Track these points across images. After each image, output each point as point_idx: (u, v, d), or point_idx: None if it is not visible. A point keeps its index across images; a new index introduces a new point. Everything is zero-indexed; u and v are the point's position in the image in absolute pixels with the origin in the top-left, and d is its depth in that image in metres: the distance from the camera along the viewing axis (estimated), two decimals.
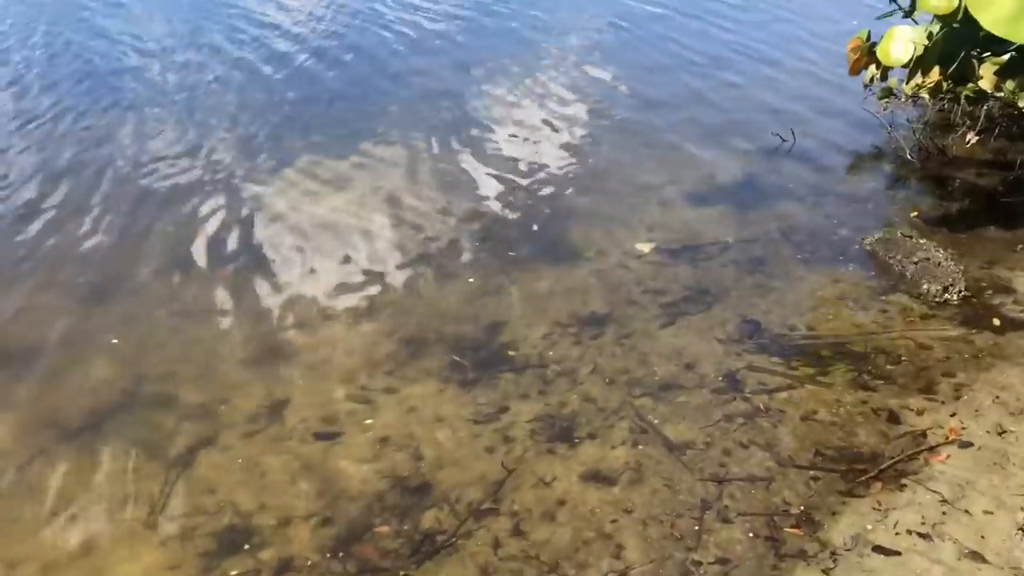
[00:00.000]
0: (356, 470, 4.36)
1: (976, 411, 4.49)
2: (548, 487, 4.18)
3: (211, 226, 6.69)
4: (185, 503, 4.21)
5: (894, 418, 4.51)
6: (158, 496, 4.25)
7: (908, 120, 7.81)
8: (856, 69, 6.41)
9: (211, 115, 8.75)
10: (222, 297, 5.87)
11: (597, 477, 4.23)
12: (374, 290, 5.88)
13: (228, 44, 10.81)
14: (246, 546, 3.96)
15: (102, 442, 4.62)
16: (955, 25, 5.67)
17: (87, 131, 8.45)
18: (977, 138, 7.02)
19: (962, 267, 5.71)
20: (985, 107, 7.19)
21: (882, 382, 4.78)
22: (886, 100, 7.75)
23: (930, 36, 5.74)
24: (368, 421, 4.68)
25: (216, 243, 6.46)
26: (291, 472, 4.37)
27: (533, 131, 8.16)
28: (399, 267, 6.12)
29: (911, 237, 5.99)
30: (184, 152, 7.95)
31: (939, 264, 5.69)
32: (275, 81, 9.58)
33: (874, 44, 6.24)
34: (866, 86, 7.42)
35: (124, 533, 4.06)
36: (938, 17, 5.72)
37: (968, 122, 7.35)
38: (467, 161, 7.61)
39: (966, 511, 3.87)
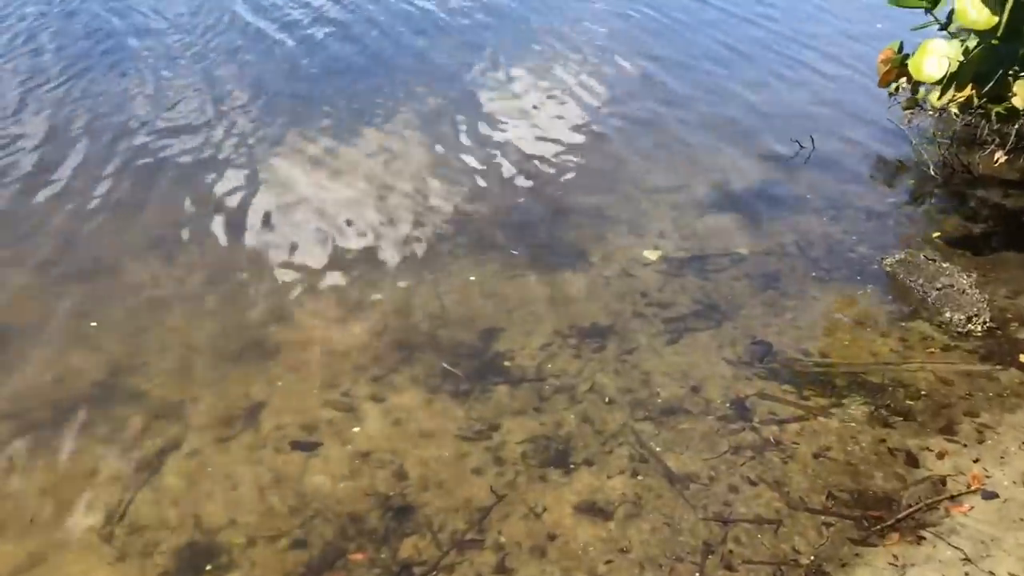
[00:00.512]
0: (333, 487, 4.06)
1: (1001, 458, 4.18)
2: (538, 518, 3.88)
3: (201, 208, 6.39)
4: (147, 514, 3.91)
5: (913, 460, 4.20)
6: (118, 504, 3.96)
7: (933, 133, 7.46)
8: (886, 81, 6.05)
9: (219, 88, 8.40)
10: (205, 284, 5.58)
11: (592, 510, 3.93)
12: (367, 285, 5.57)
13: (253, 14, 10.44)
14: (208, 567, 3.66)
15: (63, 439, 4.33)
16: (993, 42, 5.33)
17: (89, 96, 8.18)
18: (1006, 157, 6.67)
19: (987, 295, 5.39)
20: (1016, 125, 6.84)
21: (900, 419, 4.47)
22: (911, 111, 7.40)
23: (966, 52, 5.39)
24: (350, 432, 4.37)
25: (205, 226, 6.16)
26: (263, 485, 4.06)
27: (543, 124, 7.79)
28: (395, 261, 5.81)
29: (934, 260, 5.66)
30: (183, 127, 7.64)
31: (963, 291, 5.37)
32: (283, 55, 9.26)
33: (906, 56, 5.89)
34: (891, 95, 7.05)
35: (77, 544, 3.76)
36: (976, 32, 5.37)
37: (997, 140, 7.01)
38: (473, 152, 7.27)
39: (990, 573, 3.57)
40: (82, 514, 3.91)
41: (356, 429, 4.39)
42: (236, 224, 6.17)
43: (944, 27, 5.82)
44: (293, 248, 5.92)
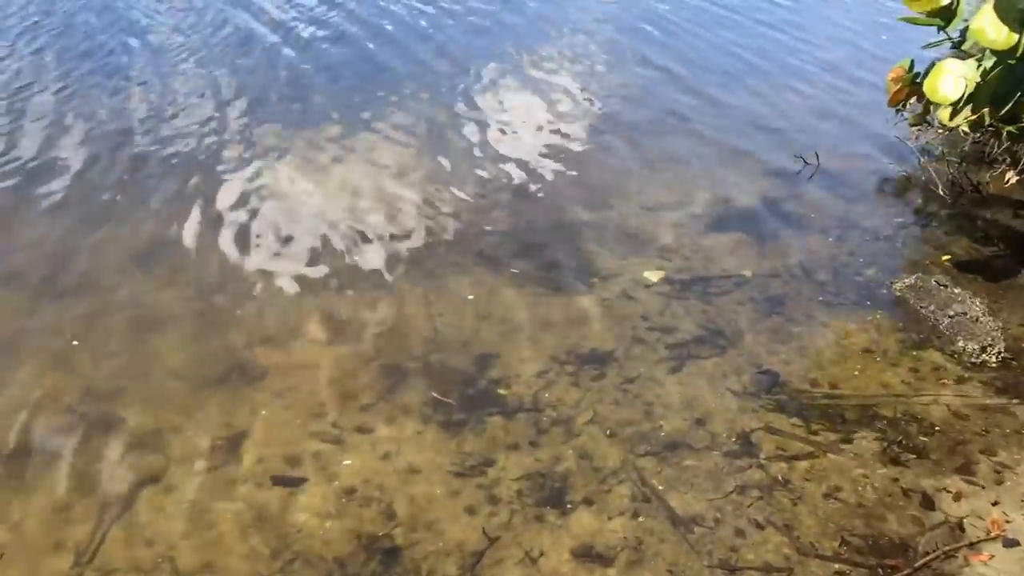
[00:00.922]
0: (317, 526, 3.83)
1: (1022, 501, 3.98)
2: (534, 564, 3.66)
3: (192, 224, 6.11)
4: (118, 555, 3.68)
5: (928, 502, 3.99)
6: (88, 544, 3.73)
7: (941, 151, 7.26)
8: (896, 100, 5.86)
9: (220, 98, 8.08)
10: (190, 302, 5.33)
11: (591, 555, 3.71)
12: (358, 304, 5.34)
13: (256, 20, 10.14)
14: None
15: (32, 471, 4.08)
16: (1011, 62, 5.14)
17: (88, 105, 7.91)
18: (1017, 177, 6.49)
19: (1000, 323, 5.19)
20: None
21: (914, 456, 4.26)
22: (918, 127, 7.20)
23: (984, 73, 5.19)
24: (336, 467, 4.14)
25: (193, 243, 5.91)
26: (243, 524, 3.84)
27: (545, 136, 7.55)
28: (389, 279, 5.58)
29: (945, 286, 5.46)
30: (181, 138, 7.35)
31: (976, 320, 5.17)
32: (285, 62, 9.00)
33: (917, 75, 5.70)
34: (899, 111, 6.86)
35: None
36: (993, 52, 5.18)
37: (1008, 159, 6.82)
38: (473, 165, 7.03)
39: None
40: (50, 554, 3.68)
41: (344, 463, 4.16)
42: (226, 240, 5.92)
43: (957, 45, 5.63)
44: (282, 265, 5.70)
